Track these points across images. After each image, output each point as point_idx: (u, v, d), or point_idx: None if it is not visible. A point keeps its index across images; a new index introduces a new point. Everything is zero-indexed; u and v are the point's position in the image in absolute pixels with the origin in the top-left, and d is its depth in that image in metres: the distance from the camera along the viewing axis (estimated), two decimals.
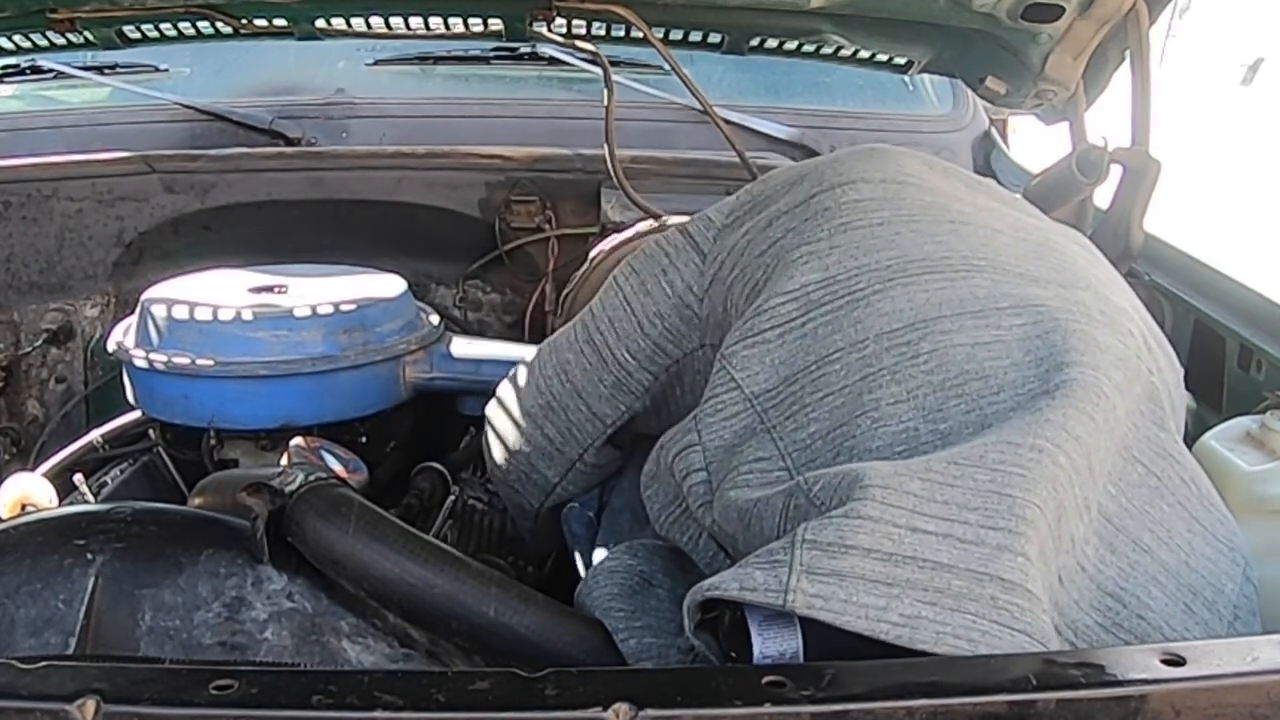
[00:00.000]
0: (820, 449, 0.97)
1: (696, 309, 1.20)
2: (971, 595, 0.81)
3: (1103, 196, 1.75)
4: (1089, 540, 0.91)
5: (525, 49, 2.34)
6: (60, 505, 1.49)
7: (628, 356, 1.24)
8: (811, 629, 0.83)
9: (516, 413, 1.34)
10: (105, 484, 1.68)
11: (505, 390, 1.38)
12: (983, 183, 1.25)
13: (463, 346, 1.80)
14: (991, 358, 0.97)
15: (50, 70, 2.30)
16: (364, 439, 1.75)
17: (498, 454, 1.39)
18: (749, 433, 1.02)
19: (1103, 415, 0.93)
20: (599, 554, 1.31)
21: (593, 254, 1.98)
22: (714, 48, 1.92)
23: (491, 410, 1.40)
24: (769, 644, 0.84)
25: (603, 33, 1.86)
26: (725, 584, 0.85)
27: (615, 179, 1.91)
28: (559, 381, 1.29)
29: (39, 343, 2.07)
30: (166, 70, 2.35)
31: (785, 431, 1.00)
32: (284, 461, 1.57)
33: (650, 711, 0.69)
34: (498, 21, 1.82)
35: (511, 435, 1.35)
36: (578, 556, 1.38)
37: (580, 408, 1.27)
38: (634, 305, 1.24)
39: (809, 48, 1.89)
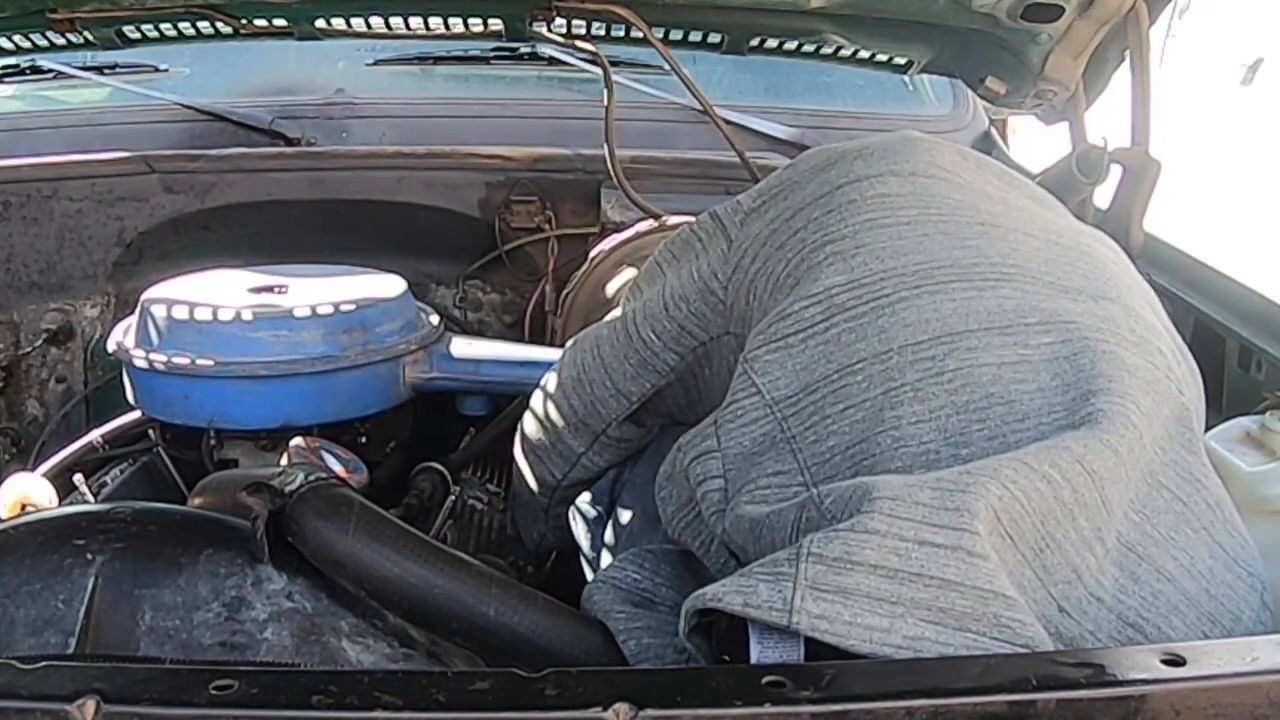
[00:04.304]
0: (839, 464, 0.95)
1: (721, 295, 1.18)
2: (975, 615, 0.81)
3: (1103, 196, 1.75)
4: (1105, 571, 0.89)
5: (525, 49, 2.34)
6: (60, 505, 1.49)
7: (653, 337, 1.24)
8: (812, 639, 0.82)
9: (553, 385, 1.35)
10: (105, 484, 1.68)
11: (555, 365, 1.39)
12: (1016, 178, 1.22)
13: (463, 346, 1.80)
14: (1018, 380, 0.95)
15: (50, 70, 2.30)
16: (364, 439, 1.75)
17: (530, 423, 1.40)
18: (769, 441, 1.00)
19: (1127, 446, 0.91)
20: (606, 553, 1.31)
21: (593, 254, 1.98)
22: (714, 48, 1.93)
23: (542, 382, 1.41)
24: (768, 654, 0.83)
25: (603, 33, 1.87)
26: (728, 596, 0.84)
27: (615, 179, 1.92)
28: (591, 356, 1.30)
29: (39, 343, 2.07)
30: (166, 70, 2.35)
31: (805, 443, 0.98)
32: (284, 461, 1.57)
33: (650, 711, 0.69)
34: (498, 21, 1.82)
35: (546, 406, 1.36)
36: (584, 554, 1.38)
37: (605, 383, 1.28)
38: (663, 287, 1.24)
39: (809, 48, 1.89)
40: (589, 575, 1.35)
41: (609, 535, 1.33)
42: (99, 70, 2.32)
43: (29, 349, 2.07)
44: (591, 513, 1.37)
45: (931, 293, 1.00)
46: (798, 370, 1.01)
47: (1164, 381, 1.00)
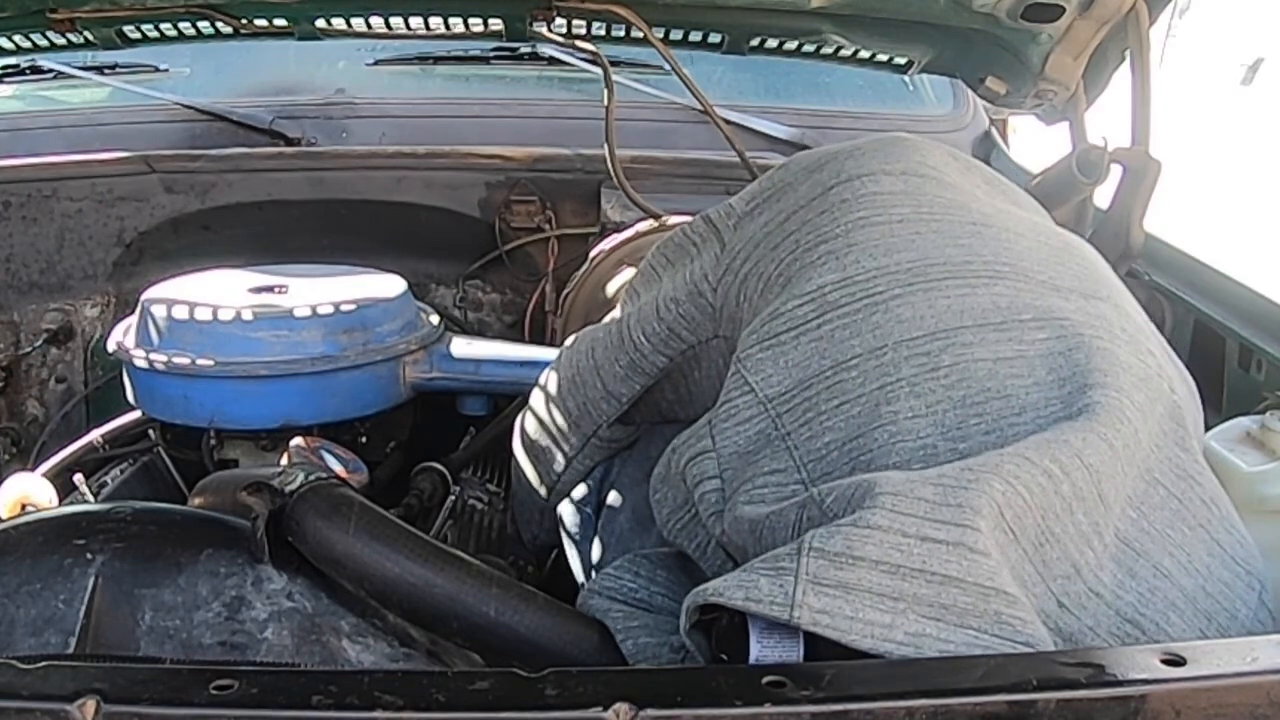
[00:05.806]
0: (836, 460, 0.95)
1: (710, 298, 1.18)
2: (975, 611, 0.81)
3: (1103, 196, 1.75)
4: (1104, 566, 0.89)
5: (525, 49, 2.34)
6: (60, 505, 1.49)
7: (643, 339, 1.24)
8: (812, 637, 0.83)
9: (550, 385, 1.35)
10: (105, 484, 1.68)
11: (553, 364, 1.39)
12: (1004, 182, 1.23)
13: (463, 346, 1.80)
14: (1013, 375, 0.95)
15: (50, 70, 2.30)
16: (364, 439, 1.75)
17: (528, 423, 1.40)
18: (763, 439, 1.00)
19: (1123, 441, 0.91)
20: (596, 552, 1.31)
21: (593, 254, 1.98)
22: (714, 48, 1.93)
23: (539, 381, 1.41)
24: (767, 652, 0.83)
25: (603, 33, 1.87)
26: (729, 591, 0.84)
27: (615, 179, 1.92)
28: (586, 358, 1.30)
29: (39, 343, 2.08)
30: (166, 70, 2.36)
31: (800, 439, 0.98)
32: (284, 461, 1.57)
33: (650, 711, 0.69)
34: (498, 21, 1.82)
35: (543, 407, 1.37)
36: (574, 555, 1.38)
37: (597, 384, 1.28)
38: (658, 291, 1.24)
39: (809, 48, 1.89)
40: (579, 576, 1.34)
41: (598, 537, 1.33)
42: (99, 70, 2.32)
43: (29, 349, 2.07)
44: (580, 514, 1.37)
45: (925, 290, 1.00)
46: (790, 367, 1.01)
47: (1156, 379, 1.00)
